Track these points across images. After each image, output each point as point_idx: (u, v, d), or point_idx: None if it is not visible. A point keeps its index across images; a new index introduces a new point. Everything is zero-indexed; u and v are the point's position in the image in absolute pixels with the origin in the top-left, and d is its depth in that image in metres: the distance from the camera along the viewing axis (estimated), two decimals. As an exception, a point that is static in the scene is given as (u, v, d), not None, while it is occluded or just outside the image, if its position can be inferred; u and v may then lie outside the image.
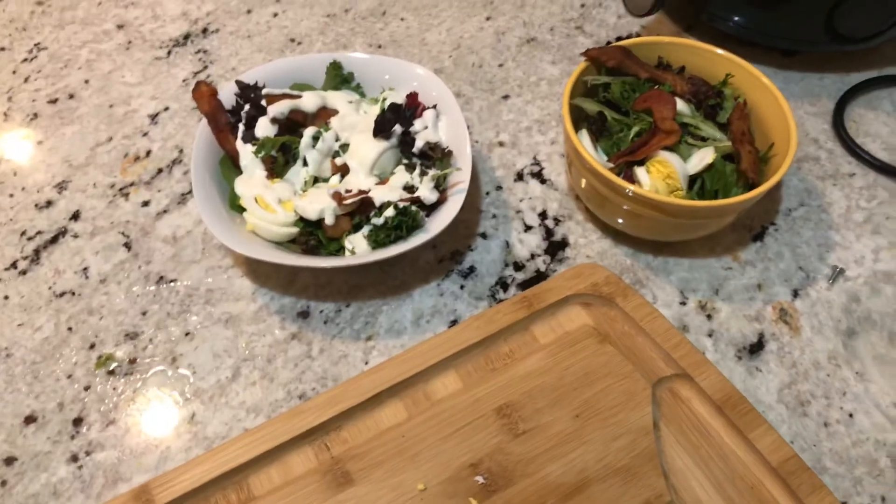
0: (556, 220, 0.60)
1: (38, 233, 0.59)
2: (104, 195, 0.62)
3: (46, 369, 0.52)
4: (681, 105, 0.54)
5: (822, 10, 0.62)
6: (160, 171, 0.63)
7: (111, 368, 0.52)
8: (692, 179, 0.52)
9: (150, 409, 0.50)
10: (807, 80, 0.69)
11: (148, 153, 0.65)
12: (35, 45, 0.73)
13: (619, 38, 0.72)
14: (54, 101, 0.68)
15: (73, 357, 0.53)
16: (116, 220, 0.60)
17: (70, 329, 0.54)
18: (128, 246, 0.59)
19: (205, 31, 0.74)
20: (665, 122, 0.52)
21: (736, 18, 0.67)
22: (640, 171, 0.52)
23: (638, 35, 0.73)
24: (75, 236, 0.59)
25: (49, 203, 0.61)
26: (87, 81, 0.70)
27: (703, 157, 0.52)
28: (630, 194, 0.49)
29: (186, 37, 0.74)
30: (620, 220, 0.55)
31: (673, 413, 0.47)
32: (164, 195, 0.62)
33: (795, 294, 0.55)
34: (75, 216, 0.60)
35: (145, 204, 0.61)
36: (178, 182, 0.62)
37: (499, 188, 0.62)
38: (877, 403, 0.49)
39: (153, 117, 0.67)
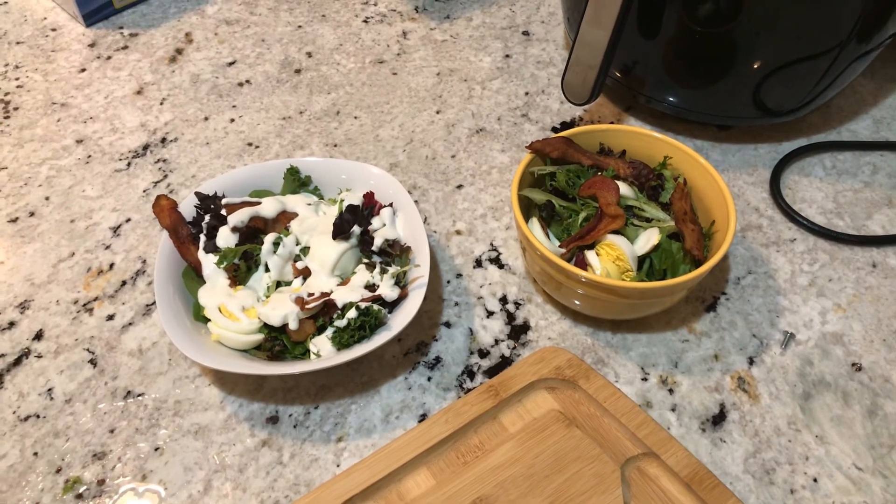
0: (517, 304, 0.61)
1: (1, 356, 0.59)
2: (68, 312, 0.62)
3: (12, 498, 0.51)
4: (624, 188, 0.57)
5: (747, 88, 0.66)
6: (124, 283, 0.64)
7: (79, 492, 0.51)
8: (641, 259, 0.55)
9: (121, 531, 0.50)
10: (743, 152, 0.73)
11: (111, 266, 0.65)
12: (-6, 165, 0.74)
13: (563, 124, 0.76)
14: (14, 220, 0.69)
15: (40, 483, 0.52)
16: (81, 336, 0.60)
17: (35, 454, 0.53)
18: (93, 362, 0.58)
19: (163, 140, 0.76)
20: (610, 207, 0.54)
21: (671, 99, 0.71)
22: (590, 255, 0.54)
23: (580, 119, 0.77)
24: (39, 356, 0.59)
25: (11, 324, 0.61)
26: (47, 198, 0.71)
27: (649, 238, 0.54)
28: (583, 280, 0.51)
29: (146, 147, 0.76)
30: (577, 302, 0.56)
31: (643, 492, 0.48)
32: (129, 307, 0.62)
33: (751, 362, 0.56)
34: (38, 336, 0.60)
35: (110, 318, 0.61)
36: (142, 293, 0.63)
37: (459, 276, 0.63)
38: (839, 465, 0.51)
39: (115, 229, 0.68)
